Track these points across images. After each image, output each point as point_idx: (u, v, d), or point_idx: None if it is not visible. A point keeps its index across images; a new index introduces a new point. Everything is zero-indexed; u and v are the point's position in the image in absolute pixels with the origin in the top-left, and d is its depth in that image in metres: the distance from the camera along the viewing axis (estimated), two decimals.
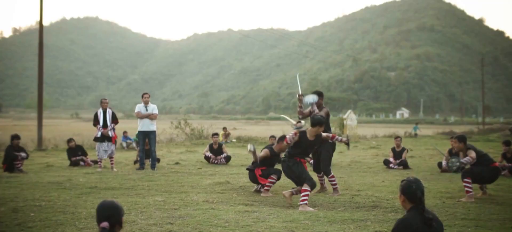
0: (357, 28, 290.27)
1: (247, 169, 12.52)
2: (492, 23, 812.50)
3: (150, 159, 17.39)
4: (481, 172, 11.39)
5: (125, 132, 29.35)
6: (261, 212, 9.14)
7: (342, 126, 41.27)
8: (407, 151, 19.41)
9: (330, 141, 11.20)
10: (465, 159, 11.51)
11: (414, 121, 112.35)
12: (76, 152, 18.83)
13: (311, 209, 9.58)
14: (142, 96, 17.27)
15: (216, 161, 19.39)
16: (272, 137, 20.31)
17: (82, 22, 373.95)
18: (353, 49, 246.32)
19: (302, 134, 10.21)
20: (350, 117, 42.16)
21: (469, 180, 11.22)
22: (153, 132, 17.21)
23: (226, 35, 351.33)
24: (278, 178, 12.00)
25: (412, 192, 4.96)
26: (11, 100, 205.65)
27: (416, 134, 48.98)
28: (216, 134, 21.03)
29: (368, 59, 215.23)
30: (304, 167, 10.39)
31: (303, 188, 9.93)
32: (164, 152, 24.40)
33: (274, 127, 61.69)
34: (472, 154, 11.49)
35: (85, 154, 18.99)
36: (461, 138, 11.86)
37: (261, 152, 12.23)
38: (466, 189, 11.18)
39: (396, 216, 8.76)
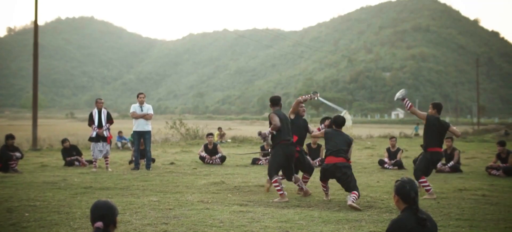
0: (352, 29, 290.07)
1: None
2: (487, 24, 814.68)
3: (145, 159, 17.38)
4: (427, 163, 11.60)
5: (120, 132, 29.33)
6: (256, 212, 9.16)
7: None
8: (402, 151, 19.44)
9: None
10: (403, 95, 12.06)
11: (410, 121, 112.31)
12: (70, 152, 18.84)
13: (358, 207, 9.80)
14: (138, 96, 17.28)
15: (211, 161, 19.40)
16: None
17: (77, 22, 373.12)
18: (348, 49, 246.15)
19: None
20: (345, 117, 42.17)
21: (424, 179, 11.41)
22: (148, 132, 17.21)
23: (221, 35, 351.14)
24: (310, 175, 12.17)
25: (406, 192, 4.97)
26: (6, 100, 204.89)
27: (417, 134, 48.95)
28: (211, 134, 21.05)
29: (363, 59, 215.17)
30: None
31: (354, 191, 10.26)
32: (159, 152, 24.42)
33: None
34: (421, 114, 12.25)
35: (80, 154, 19.00)
36: (436, 105, 12.25)
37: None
38: (425, 188, 11.33)
39: (390, 216, 8.79)
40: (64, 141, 19.32)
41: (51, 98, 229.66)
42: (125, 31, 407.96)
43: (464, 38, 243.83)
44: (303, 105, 12.32)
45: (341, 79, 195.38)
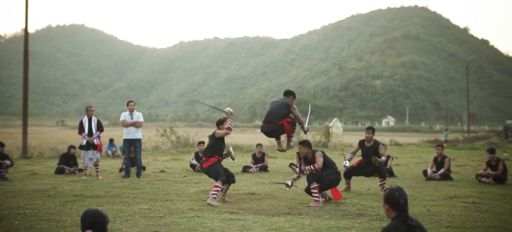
0: (343, 36, 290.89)
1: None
2: (477, 32, 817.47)
3: (135, 167, 17.34)
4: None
5: (111, 140, 29.26)
6: (246, 220, 9.14)
7: (328, 134, 41.35)
8: (392, 158, 19.45)
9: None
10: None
11: (400, 129, 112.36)
12: (68, 161, 18.70)
13: None
14: (128, 104, 17.22)
15: (201, 169, 19.35)
16: (259, 145, 20.37)
17: (68, 30, 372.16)
18: (339, 57, 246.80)
19: None
20: (336, 125, 42.25)
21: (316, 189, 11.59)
22: (139, 140, 17.15)
23: (212, 43, 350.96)
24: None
25: (395, 200, 4.98)
26: None
27: (446, 140, 48.87)
28: (202, 142, 21.00)
29: (354, 67, 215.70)
30: None
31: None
32: (149, 160, 24.36)
33: (260, 135, 61.63)
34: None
35: (76, 165, 18.83)
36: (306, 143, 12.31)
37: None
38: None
39: (381, 224, 8.78)
40: (71, 147, 19.19)
41: (41, 105, 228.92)
42: (115, 38, 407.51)
43: (454, 46, 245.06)
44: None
45: (332, 86, 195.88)
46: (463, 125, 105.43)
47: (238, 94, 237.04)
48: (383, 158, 13.82)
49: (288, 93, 12.47)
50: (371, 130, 14.22)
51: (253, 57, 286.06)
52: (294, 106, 12.09)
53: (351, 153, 14.15)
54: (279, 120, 11.81)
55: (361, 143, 14.18)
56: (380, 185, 13.53)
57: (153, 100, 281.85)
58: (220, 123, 12.40)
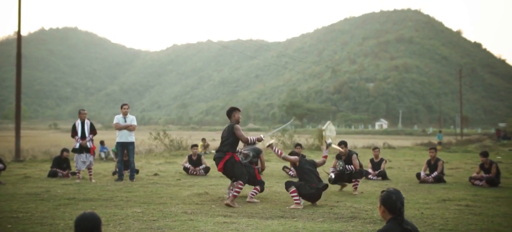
0: (336, 40, 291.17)
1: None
2: (470, 35, 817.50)
3: (128, 170, 17.30)
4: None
5: (102, 142, 29.21)
6: (240, 223, 9.13)
7: (321, 137, 41.33)
8: (386, 161, 19.47)
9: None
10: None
11: (394, 132, 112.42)
12: (61, 164, 18.63)
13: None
14: (121, 107, 17.18)
15: (195, 172, 19.35)
16: None
17: (61, 33, 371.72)
18: (332, 60, 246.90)
19: None
20: (329, 128, 42.22)
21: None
22: (132, 143, 17.12)
23: (205, 46, 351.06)
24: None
25: (392, 203, 4.97)
26: None
27: (440, 143, 48.76)
28: (195, 145, 21.01)
29: (347, 70, 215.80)
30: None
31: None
32: (142, 163, 24.31)
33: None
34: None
35: (69, 168, 18.76)
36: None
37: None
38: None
39: (374, 227, 8.78)
40: (64, 150, 19.12)
41: (34, 109, 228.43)
42: (109, 42, 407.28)
43: (447, 49, 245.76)
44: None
45: (325, 89, 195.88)
46: (456, 128, 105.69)
47: (231, 97, 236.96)
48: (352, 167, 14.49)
49: (230, 112, 12.53)
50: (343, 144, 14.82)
51: (246, 60, 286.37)
52: (237, 126, 12.01)
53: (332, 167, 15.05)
54: (227, 150, 11.88)
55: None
56: (354, 185, 14.20)
57: (146, 103, 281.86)
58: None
